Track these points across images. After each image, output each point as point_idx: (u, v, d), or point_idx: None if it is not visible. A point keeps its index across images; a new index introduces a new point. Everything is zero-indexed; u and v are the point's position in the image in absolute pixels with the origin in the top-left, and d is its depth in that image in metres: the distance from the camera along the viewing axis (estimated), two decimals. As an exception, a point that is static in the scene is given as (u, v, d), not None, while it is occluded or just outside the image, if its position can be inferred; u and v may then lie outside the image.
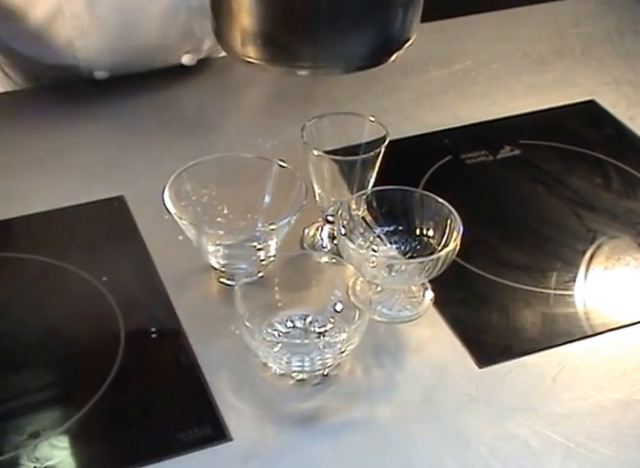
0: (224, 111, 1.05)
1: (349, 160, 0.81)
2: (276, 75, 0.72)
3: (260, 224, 0.83)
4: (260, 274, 0.76)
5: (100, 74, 1.04)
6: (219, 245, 0.79)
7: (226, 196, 0.84)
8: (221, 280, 0.82)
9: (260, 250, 0.79)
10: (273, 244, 0.79)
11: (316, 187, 0.83)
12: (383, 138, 0.82)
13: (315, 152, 0.80)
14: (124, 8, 0.99)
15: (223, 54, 1.13)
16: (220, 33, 0.73)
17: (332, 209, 0.83)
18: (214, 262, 0.81)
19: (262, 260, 0.78)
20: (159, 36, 1.03)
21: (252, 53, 0.70)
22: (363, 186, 0.82)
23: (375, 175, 0.82)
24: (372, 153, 0.81)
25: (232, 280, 0.80)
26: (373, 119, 0.83)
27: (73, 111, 1.02)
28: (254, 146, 0.94)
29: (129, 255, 0.86)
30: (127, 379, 0.74)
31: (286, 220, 0.77)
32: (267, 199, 0.84)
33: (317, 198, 0.83)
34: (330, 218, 0.84)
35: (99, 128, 1.01)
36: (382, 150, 0.81)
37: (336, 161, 0.80)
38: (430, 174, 0.96)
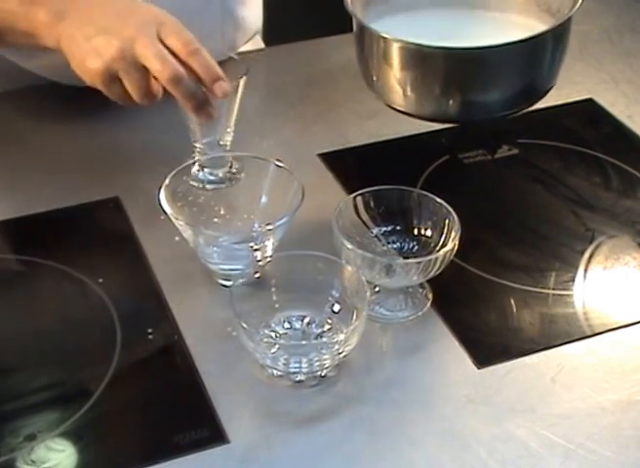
0: (221, 111, 1.05)
1: None
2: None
3: (256, 225, 0.83)
4: (257, 275, 0.76)
5: None
6: (215, 245, 0.79)
7: (223, 196, 0.84)
8: (218, 281, 0.82)
9: (256, 250, 0.78)
10: (270, 244, 0.79)
11: None
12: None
13: None
14: None
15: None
16: (370, 80, 0.82)
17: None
18: (210, 263, 0.80)
19: (259, 261, 0.77)
20: None
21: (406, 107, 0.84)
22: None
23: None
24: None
25: (229, 281, 0.80)
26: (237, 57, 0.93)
27: (70, 112, 1.01)
28: (250, 146, 0.94)
29: (125, 257, 0.85)
30: (123, 381, 0.74)
31: (283, 221, 0.77)
32: (264, 199, 0.83)
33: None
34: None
35: (94, 128, 1.01)
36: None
37: None
38: (428, 173, 0.95)
